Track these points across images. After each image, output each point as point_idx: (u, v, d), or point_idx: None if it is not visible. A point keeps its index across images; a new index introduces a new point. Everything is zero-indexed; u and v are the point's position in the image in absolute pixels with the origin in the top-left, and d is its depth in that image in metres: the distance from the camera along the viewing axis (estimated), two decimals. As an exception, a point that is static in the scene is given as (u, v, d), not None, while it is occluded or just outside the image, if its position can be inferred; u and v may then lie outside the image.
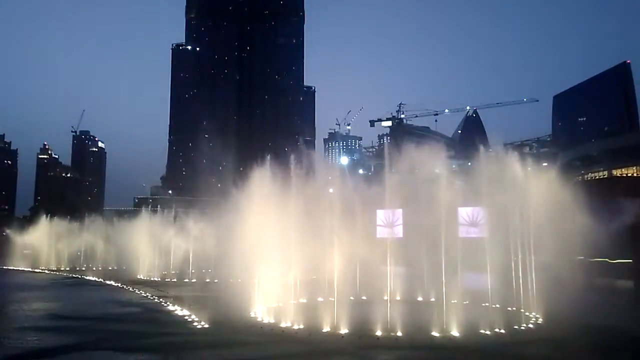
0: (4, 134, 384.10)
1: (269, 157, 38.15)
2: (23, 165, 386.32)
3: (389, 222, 39.68)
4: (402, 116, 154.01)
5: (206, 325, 30.12)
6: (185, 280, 54.82)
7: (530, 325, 29.16)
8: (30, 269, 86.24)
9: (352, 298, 36.37)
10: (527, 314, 31.55)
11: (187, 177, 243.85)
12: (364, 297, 39.78)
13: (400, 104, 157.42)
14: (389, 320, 27.29)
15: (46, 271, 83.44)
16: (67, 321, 34.66)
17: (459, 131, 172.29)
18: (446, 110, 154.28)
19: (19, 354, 24.53)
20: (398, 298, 39.76)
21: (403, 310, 31.85)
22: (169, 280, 45.27)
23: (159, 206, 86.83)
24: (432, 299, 39.34)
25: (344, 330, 27.15)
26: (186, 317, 33.09)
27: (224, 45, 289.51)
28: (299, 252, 33.64)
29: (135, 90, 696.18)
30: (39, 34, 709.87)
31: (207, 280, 56.58)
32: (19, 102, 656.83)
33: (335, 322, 28.06)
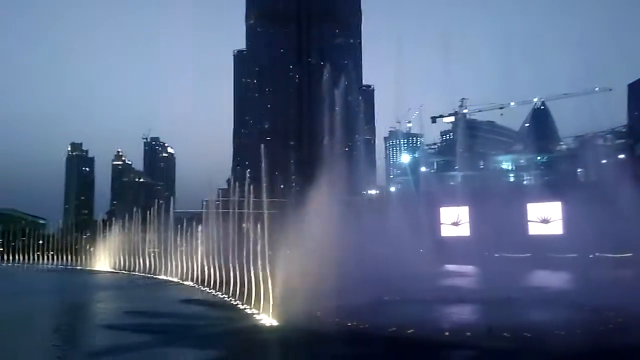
0: (81, 143, 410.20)
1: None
2: (99, 172, 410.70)
3: (454, 220, 39.10)
4: (465, 111, 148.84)
5: (275, 323, 30.85)
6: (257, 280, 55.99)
7: (610, 326, 27.78)
8: (110, 270, 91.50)
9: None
10: (605, 313, 30.08)
11: (252, 178, 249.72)
12: (427, 298, 39.28)
13: (462, 98, 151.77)
14: (457, 319, 26.88)
15: (123, 272, 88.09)
16: (140, 318, 36.22)
17: (527, 124, 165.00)
18: (512, 103, 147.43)
19: (93, 352, 25.89)
20: (464, 298, 39.02)
21: (472, 310, 31.32)
22: (240, 280, 46.68)
23: (227, 208, 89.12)
24: (502, 299, 38.27)
25: (410, 330, 26.98)
26: (255, 315, 34.02)
27: (283, 48, 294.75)
28: (364, 252, 33.79)
29: (201, 95, 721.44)
30: (110, 48, 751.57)
31: (277, 279, 57.75)
32: (92, 111, 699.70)
33: (401, 321, 27.93)
